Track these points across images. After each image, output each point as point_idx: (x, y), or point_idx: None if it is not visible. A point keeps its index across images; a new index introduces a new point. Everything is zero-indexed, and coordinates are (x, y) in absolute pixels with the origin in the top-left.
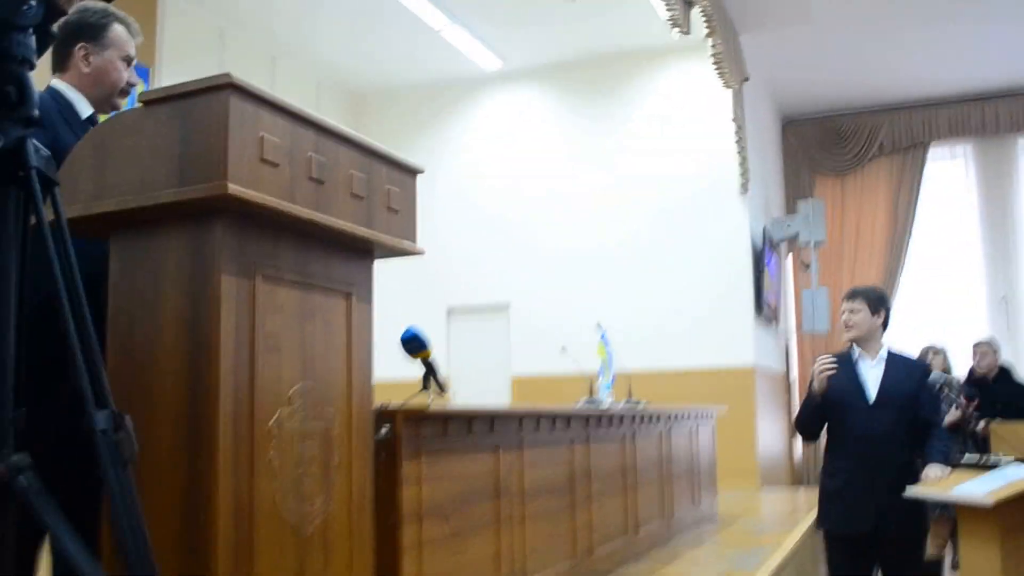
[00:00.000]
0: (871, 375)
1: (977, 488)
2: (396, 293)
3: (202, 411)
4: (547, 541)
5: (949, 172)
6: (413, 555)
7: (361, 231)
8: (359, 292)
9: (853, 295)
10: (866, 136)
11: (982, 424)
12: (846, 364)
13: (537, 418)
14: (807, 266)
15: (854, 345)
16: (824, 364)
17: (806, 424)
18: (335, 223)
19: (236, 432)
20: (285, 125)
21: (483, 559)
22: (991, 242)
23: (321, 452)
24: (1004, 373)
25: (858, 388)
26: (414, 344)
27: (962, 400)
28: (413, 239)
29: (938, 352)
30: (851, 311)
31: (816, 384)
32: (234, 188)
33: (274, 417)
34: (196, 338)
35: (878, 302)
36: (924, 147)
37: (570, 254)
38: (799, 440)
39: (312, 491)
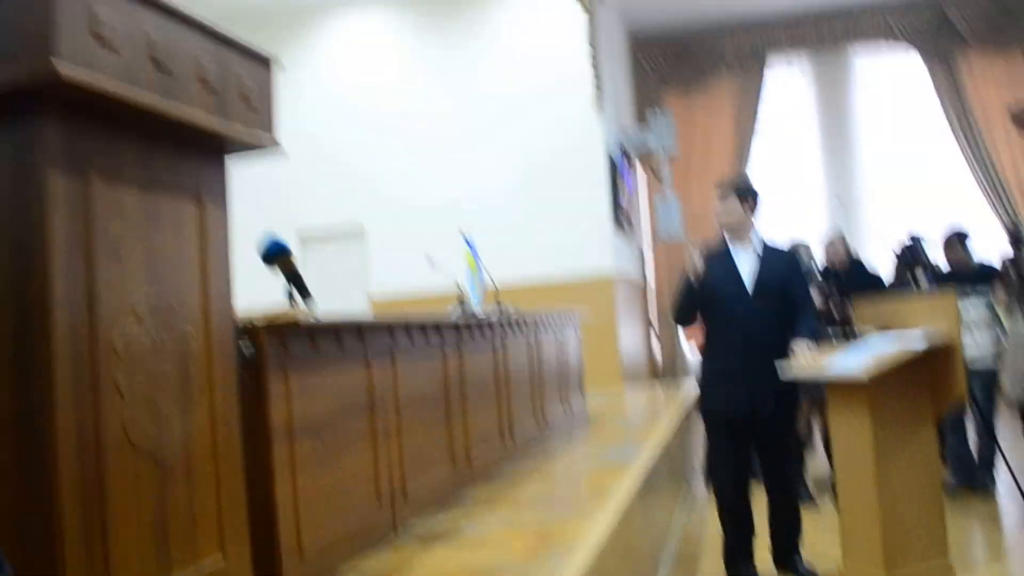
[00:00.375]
0: (746, 264)
1: (846, 361)
2: (244, 221)
3: (32, 328)
4: (424, 451)
5: (789, 82)
6: (286, 475)
7: (213, 123)
8: (212, 195)
9: (727, 188)
10: (710, 50)
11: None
12: (722, 255)
13: (408, 328)
14: (660, 177)
15: (728, 237)
16: (695, 252)
17: (684, 310)
18: (183, 113)
19: (75, 350)
20: (121, 2)
21: (360, 473)
22: (828, 147)
23: (177, 371)
24: (856, 265)
25: (735, 277)
26: (276, 251)
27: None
28: (271, 132)
29: (803, 246)
30: (724, 204)
31: (693, 272)
32: (64, 68)
33: (119, 333)
34: (21, 245)
35: (747, 192)
36: (764, 60)
37: (427, 176)
38: (655, 341)
39: (169, 415)
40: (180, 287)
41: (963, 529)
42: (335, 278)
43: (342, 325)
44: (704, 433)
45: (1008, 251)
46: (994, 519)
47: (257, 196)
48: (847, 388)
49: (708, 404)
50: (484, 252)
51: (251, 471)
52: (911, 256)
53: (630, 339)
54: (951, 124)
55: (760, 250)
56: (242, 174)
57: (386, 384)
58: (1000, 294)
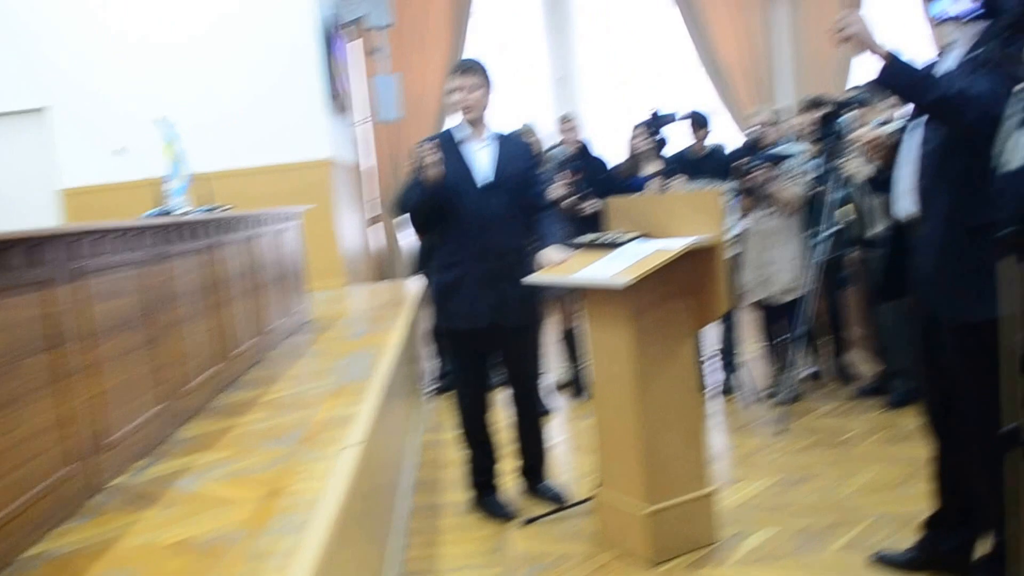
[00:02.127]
0: (480, 157)
1: (604, 270)
2: None
3: None
4: (126, 388)
5: None
6: None
7: None
8: None
9: (467, 69)
10: None
11: (589, 203)
12: (449, 147)
13: (99, 236)
14: (377, 51)
15: (460, 125)
16: (429, 150)
17: (420, 214)
18: None
19: None
20: None
21: (47, 428)
22: (549, 21)
23: None
24: (584, 147)
25: (467, 171)
26: None
27: (563, 174)
28: None
29: (533, 132)
30: (468, 88)
31: (429, 173)
32: None
33: None
34: None
35: (486, 72)
36: None
37: (118, 49)
38: (377, 233)
39: None
40: None
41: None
42: (13, 166)
43: (8, 239)
44: (437, 347)
45: (745, 140)
46: (740, 424)
47: None
48: (604, 294)
49: (446, 320)
50: (190, 136)
51: None
52: (655, 130)
53: (350, 230)
54: (676, 4)
55: (494, 140)
56: None
57: (72, 310)
58: (742, 183)
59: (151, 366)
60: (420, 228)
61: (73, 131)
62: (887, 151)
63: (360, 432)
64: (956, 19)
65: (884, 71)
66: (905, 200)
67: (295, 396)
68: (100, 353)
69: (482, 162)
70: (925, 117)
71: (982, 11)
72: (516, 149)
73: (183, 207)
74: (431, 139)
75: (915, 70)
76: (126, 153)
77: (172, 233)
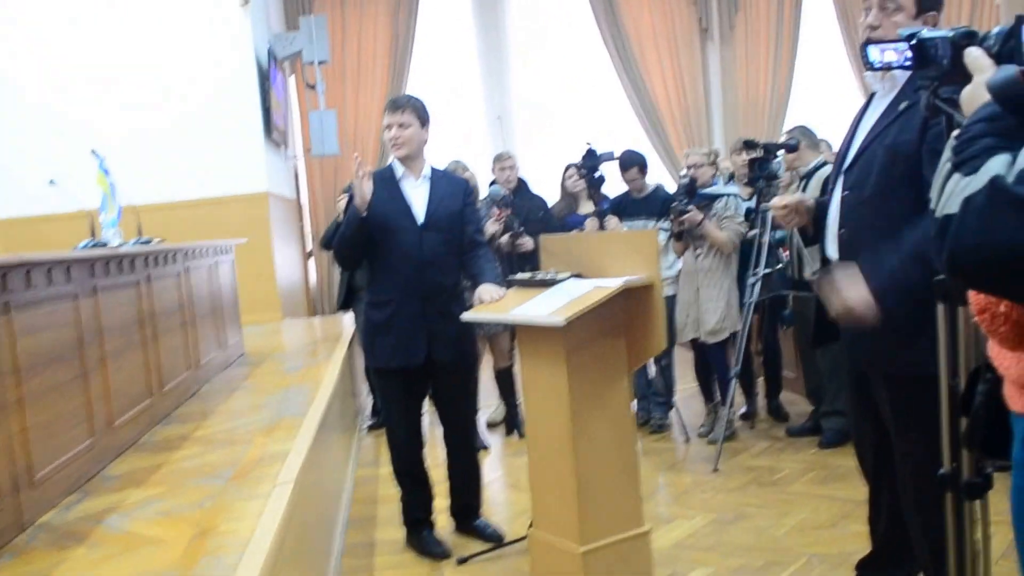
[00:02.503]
0: (417, 195)
1: (538, 308)
2: None
3: None
4: (56, 423)
5: None
6: None
7: None
8: None
9: (399, 106)
10: None
11: (523, 240)
12: (389, 183)
13: (26, 270)
14: (312, 86)
15: (396, 162)
16: (363, 171)
17: (349, 248)
18: None
19: None
20: None
21: None
22: (487, 61)
23: None
24: (522, 185)
25: (405, 209)
26: None
27: (495, 211)
28: None
29: (466, 169)
30: (400, 125)
31: (357, 196)
32: None
33: None
34: None
35: (425, 113)
36: None
37: (51, 79)
38: (314, 268)
39: None
40: None
41: (649, 477)
42: None
43: None
44: (372, 384)
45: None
46: (674, 462)
47: None
48: (538, 332)
49: (377, 359)
50: (123, 168)
51: None
52: (590, 170)
53: (286, 265)
54: (606, 43)
55: (429, 178)
56: None
57: (1, 344)
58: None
59: (81, 400)
60: (345, 261)
61: (4, 161)
62: (803, 216)
63: (293, 470)
64: (887, 68)
65: (887, 300)
66: (834, 245)
67: (228, 432)
68: (28, 388)
69: (417, 200)
70: (845, 165)
71: (911, 62)
72: (451, 187)
73: (116, 240)
74: (373, 173)
75: (896, 274)
76: (56, 185)
77: (104, 266)
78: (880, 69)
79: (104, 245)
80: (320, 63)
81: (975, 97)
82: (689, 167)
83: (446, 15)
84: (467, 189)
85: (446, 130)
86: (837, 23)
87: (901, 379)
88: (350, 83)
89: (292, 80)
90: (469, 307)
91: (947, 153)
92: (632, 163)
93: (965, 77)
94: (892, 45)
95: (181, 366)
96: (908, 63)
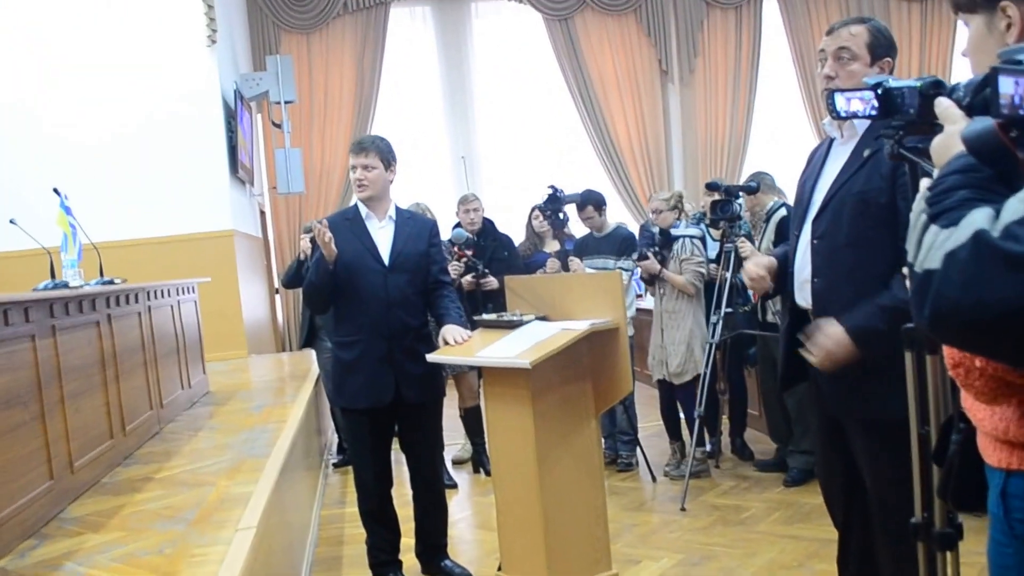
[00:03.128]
0: (382, 236)
1: (505, 350)
2: None
3: None
4: (12, 467)
5: (410, 33)
6: None
7: None
8: None
9: (364, 148)
10: None
11: (487, 279)
12: (354, 224)
13: None
14: (278, 125)
15: (360, 203)
16: (321, 231)
17: (319, 294)
18: None
19: None
20: None
21: None
22: (451, 102)
23: None
24: (488, 225)
25: (370, 250)
26: None
27: (455, 251)
28: None
29: (427, 210)
30: (364, 167)
31: (326, 253)
32: None
33: None
34: None
35: (390, 155)
36: (386, 6)
37: (14, 116)
38: (281, 303)
39: None
40: None
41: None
42: None
43: None
44: (337, 423)
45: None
46: (642, 501)
47: None
48: (504, 374)
49: (345, 399)
50: (87, 205)
51: None
52: (554, 212)
53: (253, 301)
54: (568, 85)
55: (394, 219)
56: None
57: None
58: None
59: (40, 443)
60: (315, 306)
61: None
62: (772, 278)
63: (256, 513)
64: (852, 117)
65: (868, 350)
66: (803, 292)
67: (191, 473)
68: None
69: (382, 241)
70: (813, 213)
71: (877, 111)
72: (416, 227)
73: (76, 280)
74: (335, 216)
75: (880, 325)
76: (16, 224)
77: (64, 306)
78: (846, 118)
79: (65, 286)
80: (287, 103)
81: (947, 148)
82: (652, 212)
83: (411, 56)
84: (432, 230)
85: (411, 169)
86: (793, 66)
87: (876, 424)
88: (316, 121)
89: (259, 118)
90: (435, 347)
91: (919, 204)
92: (587, 202)
93: (932, 127)
94: (858, 94)
95: (144, 406)
96: (874, 112)
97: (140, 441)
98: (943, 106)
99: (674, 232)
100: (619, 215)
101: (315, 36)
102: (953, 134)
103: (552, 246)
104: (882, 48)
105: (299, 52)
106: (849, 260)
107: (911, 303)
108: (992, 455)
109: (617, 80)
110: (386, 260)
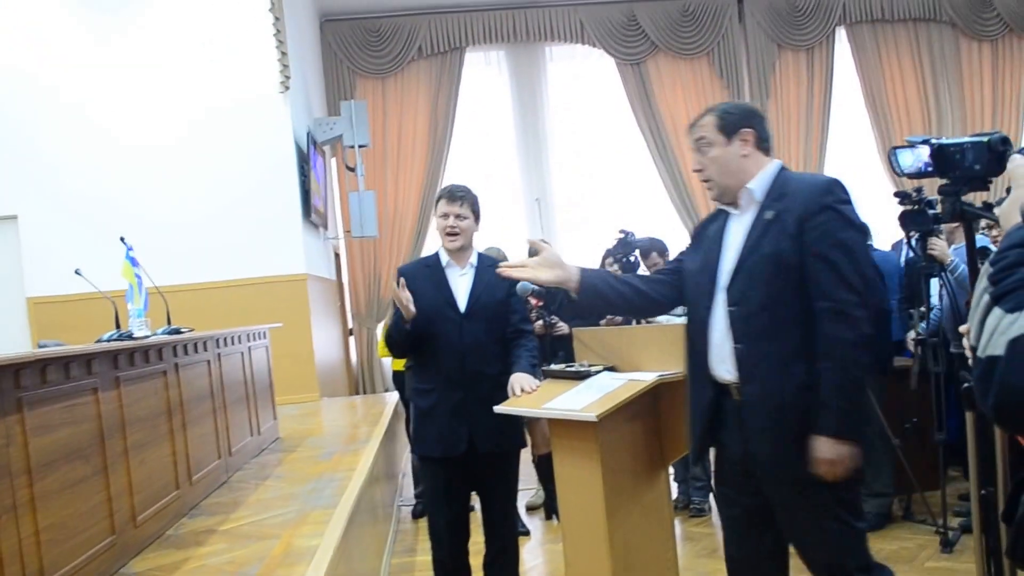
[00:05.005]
0: (461, 284)
1: (572, 402)
2: None
3: None
4: (72, 522)
5: (485, 76)
6: None
7: None
8: None
9: (459, 198)
10: (405, 38)
11: (558, 325)
12: (435, 271)
13: (43, 366)
14: (352, 169)
15: (442, 250)
16: (401, 291)
17: (399, 346)
18: None
19: None
20: None
21: None
22: (524, 145)
23: None
24: None
25: (448, 298)
26: None
27: (531, 302)
28: None
29: (500, 254)
30: (458, 216)
31: (403, 312)
32: None
33: None
34: None
35: (478, 208)
36: (461, 51)
37: (89, 159)
38: (355, 346)
39: None
40: None
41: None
42: None
43: None
44: (421, 476)
45: None
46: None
47: None
48: (573, 432)
49: (423, 446)
50: (159, 254)
51: None
52: (625, 254)
53: (326, 345)
54: (641, 128)
55: (474, 267)
56: None
57: (10, 445)
58: None
59: (101, 497)
60: (400, 355)
61: (40, 239)
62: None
63: (320, 570)
64: (908, 175)
65: (860, 432)
66: (726, 364)
67: (256, 524)
68: (41, 488)
69: (461, 289)
70: (722, 281)
71: (930, 169)
72: (494, 276)
73: (142, 330)
74: (415, 264)
75: (846, 406)
76: (82, 274)
77: (128, 358)
78: (912, 176)
79: (129, 336)
80: (360, 147)
81: (1014, 212)
82: None
83: (485, 99)
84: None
85: (485, 212)
86: (865, 107)
87: (806, 482)
88: (390, 165)
89: (333, 161)
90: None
91: (983, 282)
92: (652, 249)
93: (987, 184)
94: (915, 150)
95: (211, 455)
96: (929, 168)
97: (207, 491)
98: (1017, 163)
99: None
100: None
101: (390, 81)
102: (1021, 199)
103: None
104: (732, 125)
105: (374, 96)
106: (768, 322)
107: (976, 390)
108: None
109: (689, 123)
110: (462, 308)
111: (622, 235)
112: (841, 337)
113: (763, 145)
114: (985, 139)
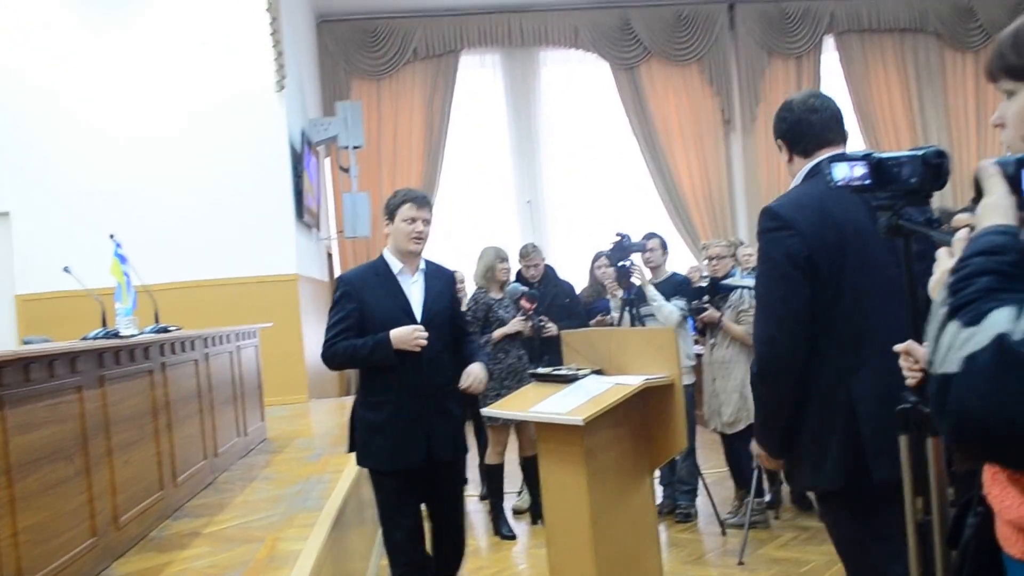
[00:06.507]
0: (414, 291)
1: (559, 405)
2: None
3: None
4: (53, 525)
5: (480, 80)
6: None
7: None
8: None
9: (426, 203)
10: (401, 40)
11: (548, 327)
12: (386, 279)
13: (26, 364)
14: (346, 170)
15: (390, 254)
16: (420, 338)
17: (351, 366)
18: None
19: None
20: None
21: None
22: (518, 148)
23: None
24: (549, 272)
25: (405, 307)
26: None
27: (524, 305)
28: None
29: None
30: (425, 221)
31: (405, 346)
32: None
33: None
34: None
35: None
36: (456, 54)
37: (81, 158)
38: None
39: None
40: None
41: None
42: None
43: None
44: (373, 490)
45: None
46: (700, 554)
47: None
48: (558, 435)
49: (376, 461)
50: (150, 248)
51: None
52: (620, 257)
53: (316, 345)
54: (634, 132)
55: (423, 273)
56: None
57: None
58: (703, 318)
59: (83, 498)
60: (335, 368)
61: (30, 237)
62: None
63: (304, 573)
64: (847, 186)
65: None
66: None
67: (241, 527)
68: (23, 488)
69: (415, 296)
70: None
71: (869, 182)
72: (441, 282)
73: (130, 329)
74: (364, 270)
75: (769, 430)
76: (71, 271)
77: (113, 356)
78: (844, 186)
79: (115, 335)
80: (354, 148)
81: (984, 219)
82: (710, 259)
83: (480, 102)
84: (452, 281)
85: (477, 213)
86: (853, 114)
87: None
88: (385, 166)
89: (327, 162)
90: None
91: (942, 292)
92: (654, 236)
93: (927, 198)
94: (852, 163)
95: (197, 455)
96: (866, 183)
97: (192, 492)
98: (989, 172)
99: (731, 281)
100: (682, 261)
101: (386, 82)
102: (990, 205)
103: (615, 295)
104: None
105: (369, 97)
106: None
107: (932, 408)
108: (1015, 545)
109: (680, 128)
110: (419, 316)
111: (619, 238)
112: None
113: None
114: (920, 153)
